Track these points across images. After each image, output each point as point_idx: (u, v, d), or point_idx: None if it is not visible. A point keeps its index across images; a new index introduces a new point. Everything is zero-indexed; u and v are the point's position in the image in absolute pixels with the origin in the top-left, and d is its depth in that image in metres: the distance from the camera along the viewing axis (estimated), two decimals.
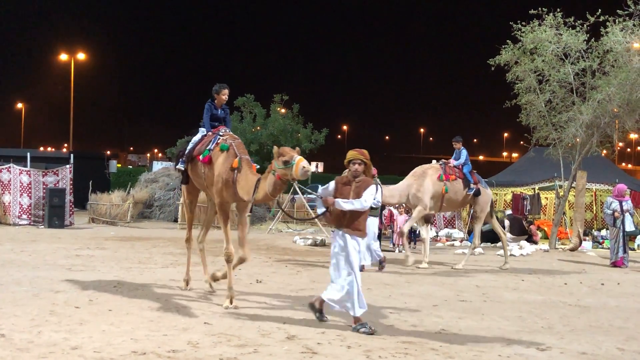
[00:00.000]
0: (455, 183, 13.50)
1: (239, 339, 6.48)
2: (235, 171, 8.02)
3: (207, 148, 8.49)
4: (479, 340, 6.80)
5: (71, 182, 20.77)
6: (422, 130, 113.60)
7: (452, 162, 13.75)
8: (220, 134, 8.62)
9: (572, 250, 17.64)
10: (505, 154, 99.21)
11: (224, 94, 9.15)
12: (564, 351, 6.54)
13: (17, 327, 6.60)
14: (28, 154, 22.12)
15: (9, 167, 20.42)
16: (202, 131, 9.00)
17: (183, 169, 9.01)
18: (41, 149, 63.70)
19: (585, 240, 18.87)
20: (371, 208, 7.96)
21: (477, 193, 13.61)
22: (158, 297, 8.62)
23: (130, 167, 63.89)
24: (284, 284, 10.23)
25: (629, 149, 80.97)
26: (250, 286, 9.90)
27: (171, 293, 9.00)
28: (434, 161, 14.33)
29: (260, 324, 7.16)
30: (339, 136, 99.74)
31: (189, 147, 8.97)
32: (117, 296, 8.58)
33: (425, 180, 13.26)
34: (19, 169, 20.46)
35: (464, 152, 13.79)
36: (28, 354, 5.65)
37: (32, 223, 20.20)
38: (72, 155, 22.76)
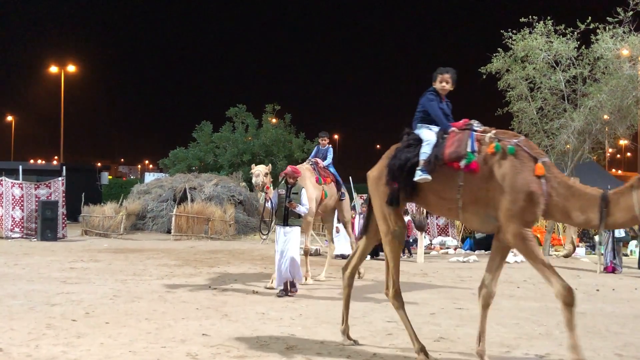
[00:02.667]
0: (332, 186, 12.31)
1: (238, 350, 6.46)
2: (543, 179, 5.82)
3: (469, 151, 6.04)
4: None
5: (64, 194, 20.69)
6: None
7: (321, 162, 12.37)
8: (475, 127, 6.29)
9: (566, 256, 17.64)
10: None
11: (447, 80, 6.62)
12: (563, 357, 6.54)
13: (14, 341, 6.57)
14: (20, 167, 22.02)
15: (1, 180, 20.32)
16: (430, 129, 6.43)
17: (430, 178, 6.12)
18: (31, 161, 63.48)
19: (579, 246, 18.92)
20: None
21: (343, 197, 12.68)
22: (155, 309, 8.58)
23: (121, 178, 63.65)
24: (272, 298, 10.19)
25: (618, 155, 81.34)
26: (247, 297, 9.86)
27: (167, 305, 8.96)
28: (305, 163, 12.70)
29: (259, 335, 7.15)
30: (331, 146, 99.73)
31: (427, 152, 6.22)
32: (113, 308, 8.55)
33: (305, 183, 11.33)
34: (11, 182, 20.36)
35: (331, 151, 12.56)
36: None
37: (24, 236, 20.09)
38: (64, 167, 22.66)
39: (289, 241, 10.20)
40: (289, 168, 10.72)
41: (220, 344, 6.66)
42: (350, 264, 7.06)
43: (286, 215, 10.26)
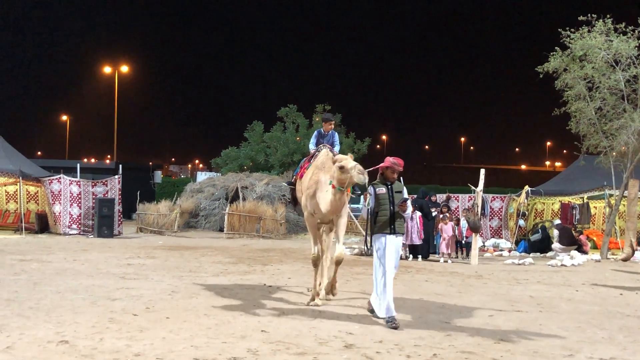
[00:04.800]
0: None
1: (297, 347, 6.48)
2: None
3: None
4: (539, 350, 6.68)
5: (120, 192, 21.11)
6: (462, 139, 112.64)
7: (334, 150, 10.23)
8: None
9: (624, 260, 17.26)
10: (548, 162, 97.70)
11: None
12: None
13: (79, 334, 6.72)
14: (78, 165, 22.54)
15: (60, 177, 20.84)
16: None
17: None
18: (85, 160, 64.92)
19: (638, 250, 18.43)
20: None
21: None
22: (213, 305, 8.67)
23: (172, 177, 64.63)
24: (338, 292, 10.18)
25: None
26: (302, 295, 9.88)
27: (225, 301, 9.04)
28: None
29: (317, 332, 7.16)
30: (378, 146, 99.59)
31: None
32: (172, 304, 8.67)
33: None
34: (69, 180, 20.86)
35: (337, 136, 10.55)
36: None
37: (81, 233, 20.56)
38: (120, 166, 23.13)
39: (398, 254, 8.31)
40: (391, 159, 8.31)
41: (279, 341, 6.69)
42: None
43: (392, 220, 8.11)
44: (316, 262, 9.25)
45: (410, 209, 8.59)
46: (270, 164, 31.99)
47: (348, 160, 8.34)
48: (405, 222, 8.45)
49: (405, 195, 8.36)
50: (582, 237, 19.51)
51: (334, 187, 8.48)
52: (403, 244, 16.78)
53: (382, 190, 8.16)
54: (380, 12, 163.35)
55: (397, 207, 8.10)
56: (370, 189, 8.23)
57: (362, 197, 9.54)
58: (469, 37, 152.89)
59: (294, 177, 10.26)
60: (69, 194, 20.69)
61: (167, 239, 20.79)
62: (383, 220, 8.06)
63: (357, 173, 8.18)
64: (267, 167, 31.76)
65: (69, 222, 20.63)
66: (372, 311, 8.16)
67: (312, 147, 10.16)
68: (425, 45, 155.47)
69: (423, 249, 16.65)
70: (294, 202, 10.41)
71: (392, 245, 8.02)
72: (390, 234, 8.03)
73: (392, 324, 7.58)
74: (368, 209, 8.36)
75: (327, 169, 8.82)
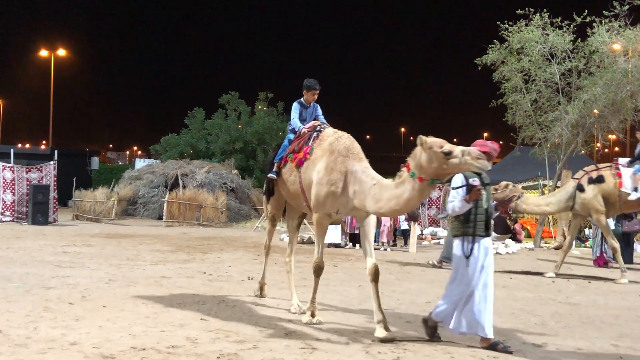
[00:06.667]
0: None
1: (237, 334, 6.47)
2: None
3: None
4: (474, 337, 6.83)
5: (55, 178, 20.59)
6: (402, 129, 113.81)
7: None
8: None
9: (556, 248, 17.70)
10: None
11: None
12: (560, 347, 6.61)
13: (12, 323, 6.55)
14: (12, 151, 21.88)
15: None
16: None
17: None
18: (19, 145, 63.01)
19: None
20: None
21: None
22: (151, 293, 8.57)
23: (110, 164, 63.39)
24: (275, 281, 10.18)
25: (606, 150, 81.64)
26: (242, 283, 9.87)
27: (163, 290, 8.95)
28: None
29: (257, 321, 7.16)
30: None
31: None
32: (109, 292, 8.54)
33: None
34: (2, 165, 20.25)
35: (320, 109, 8.58)
36: (27, 350, 5.60)
37: (15, 220, 20.00)
38: (55, 151, 22.54)
39: (492, 262, 6.79)
40: (490, 144, 6.60)
41: (219, 329, 6.66)
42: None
43: (488, 221, 6.66)
44: (322, 269, 7.32)
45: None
46: (211, 151, 31.65)
47: (446, 143, 6.27)
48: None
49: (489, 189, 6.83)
50: (517, 226, 20.05)
51: (422, 179, 6.27)
52: (343, 232, 16.96)
53: (476, 181, 6.49)
54: (322, 1, 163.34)
55: (491, 202, 6.74)
56: (461, 180, 6.50)
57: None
58: (409, 29, 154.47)
59: (276, 163, 7.90)
60: (2, 180, 20.07)
61: (104, 226, 20.40)
62: (479, 220, 6.53)
63: (475, 159, 6.12)
64: (208, 154, 31.41)
65: (2, 208, 20.02)
66: (433, 328, 6.69)
67: (297, 123, 7.92)
68: (366, 35, 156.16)
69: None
70: (270, 194, 8.29)
71: (489, 249, 6.69)
72: (486, 236, 6.61)
73: (502, 347, 6.38)
74: (457, 206, 6.47)
75: (356, 156, 7.01)
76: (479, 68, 18.52)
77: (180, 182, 23.88)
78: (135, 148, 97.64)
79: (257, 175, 30.39)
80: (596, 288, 11.13)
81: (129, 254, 13.09)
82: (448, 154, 6.14)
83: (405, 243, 17.18)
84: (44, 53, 43.87)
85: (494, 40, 18.15)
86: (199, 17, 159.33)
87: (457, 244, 6.60)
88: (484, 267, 6.60)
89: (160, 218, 22.77)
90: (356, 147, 7.12)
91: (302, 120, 8.02)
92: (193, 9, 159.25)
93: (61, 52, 43.83)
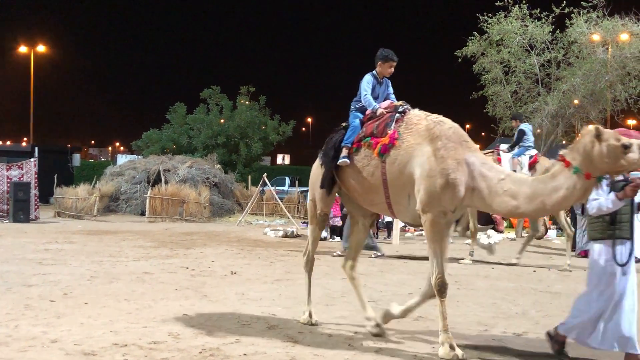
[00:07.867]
0: None
1: (219, 329, 6.47)
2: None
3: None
4: (457, 327, 6.88)
5: (36, 175, 20.43)
6: None
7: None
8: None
9: (537, 238, 17.89)
10: None
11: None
12: (540, 335, 6.65)
13: None
14: None
15: None
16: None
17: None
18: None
19: (550, 228, 19.17)
20: None
21: None
22: (133, 289, 8.55)
23: (92, 160, 63.04)
24: (259, 275, 10.22)
25: None
26: (225, 278, 9.86)
27: (146, 286, 8.93)
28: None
29: (240, 315, 7.17)
30: (304, 128, 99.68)
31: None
32: (91, 289, 8.50)
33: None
34: None
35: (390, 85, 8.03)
36: (8, 348, 5.57)
37: None
38: (36, 148, 22.36)
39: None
40: (631, 132, 6.07)
41: (201, 324, 6.66)
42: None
43: (632, 223, 5.69)
44: (446, 287, 5.83)
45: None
46: (193, 146, 31.54)
47: (619, 135, 5.28)
48: None
49: None
50: (498, 217, 20.14)
51: (589, 176, 5.22)
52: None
53: (638, 175, 5.57)
54: None
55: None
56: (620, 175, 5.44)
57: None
58: (390, 21, 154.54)
59: (345, 148, 6.46)
60: None
61: (86, 223, 20.28)
62: (624, 220, 5.65)
63: None
64: (191, 149, 31.30)
65: None
66: (561, 344, 5.93)
67: (370, 101, 6.64)
68: (347, 26, 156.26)
69: (345, 230, 16.81)
70: (331, 185, 6.68)
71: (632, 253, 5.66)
72: (630, 238, 5.65)
73: None
74: (607, 204, 5.48)
75: (469, 144, 5.91)
76: (459, 60, 18.61)
77: (163, 178, 23.80)
78: (117, 144, 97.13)
79: (240, 169, 30.33)
80: (577, 277, 11.23)
81: (111, 250, 13.03)
82: (626, 148, 5.12)
83: (389, 235, 17.24)
84: (23, 49, 43.43)
85: (474, 32, 18.26)
86: (179, 12, 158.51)
87: (601, 249, 5.67)
88: (628, 272, 5.63)
89: (142, 214, 22.68)
90: (465, 134, 6.00)
91: (375, 97, 6.74)
92: (173, 4, 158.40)
93: (41, 48, 43.42)
